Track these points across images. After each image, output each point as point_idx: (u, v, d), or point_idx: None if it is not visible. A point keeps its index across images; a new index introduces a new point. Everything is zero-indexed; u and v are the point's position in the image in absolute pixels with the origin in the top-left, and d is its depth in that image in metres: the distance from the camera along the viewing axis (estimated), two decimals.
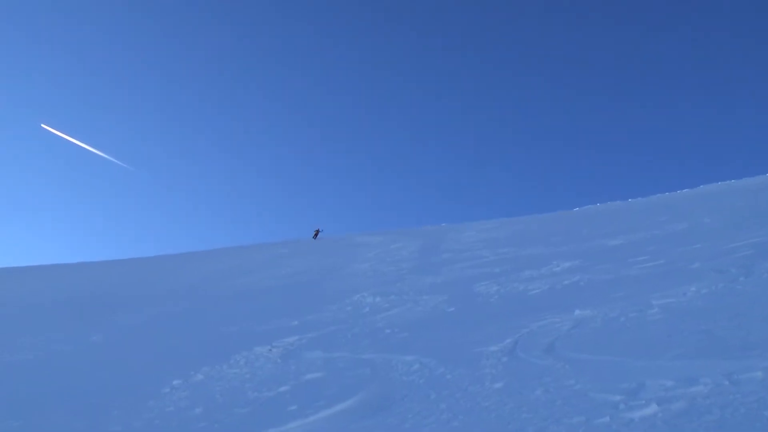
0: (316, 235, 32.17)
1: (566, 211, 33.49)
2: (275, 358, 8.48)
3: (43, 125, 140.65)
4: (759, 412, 3.48)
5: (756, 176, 28.66)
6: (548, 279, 11.06)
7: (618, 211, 26.69)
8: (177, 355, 10.19)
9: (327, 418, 5.41)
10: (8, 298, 24.15)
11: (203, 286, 22.04)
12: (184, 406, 6.69)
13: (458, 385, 5.47)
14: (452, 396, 5.16)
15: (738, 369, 4.20)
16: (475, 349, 6.65)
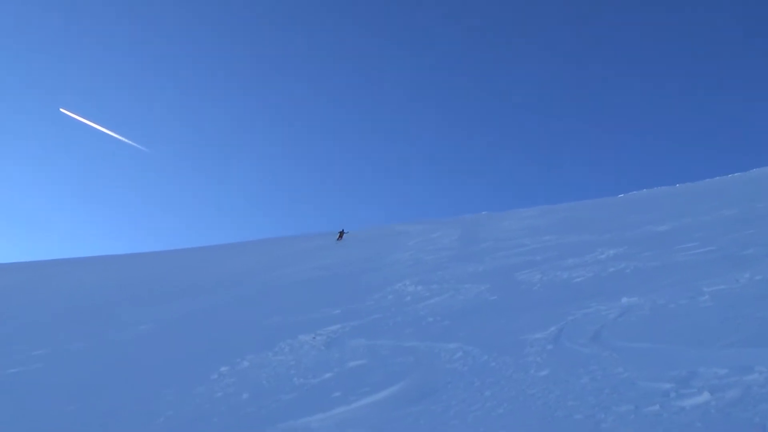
0: (341, 236, 31.97)
1: (610, 198, 32.78)
2: (319, 346, 8.59)
3: (61, 109, 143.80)
4: None
5: None
6: (593, 267, 10.86)
7: (665, 196, 25.97)
8: (224, 344, 10.44)
9: (371, 404, 5.47)
10: (60, 290, 25.14)
11: (247, 277, 22.48)
12: (231, 392, 6.86)
13: (502, 372, 5.44)
14: (497, 383, 5.14)
15: None
16: (518, 336, 6.59)
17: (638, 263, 10.18)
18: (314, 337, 9.23)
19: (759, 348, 4.48)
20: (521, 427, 4.01)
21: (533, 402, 4.44)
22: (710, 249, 9.99)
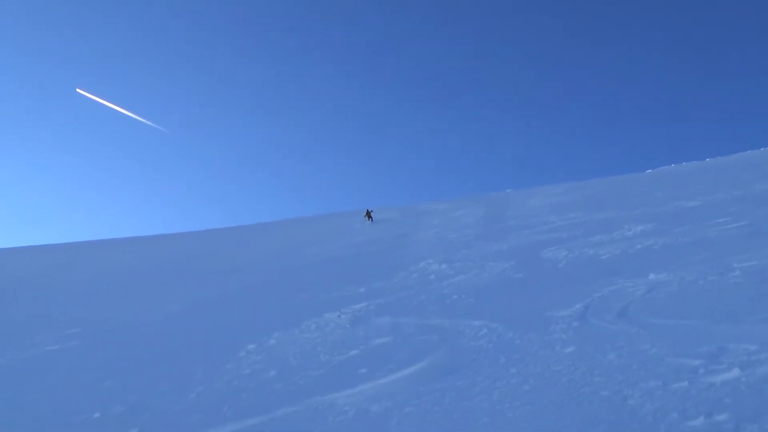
0: (368, 215, 31.75)
1: (638, 174, 32.18)
2: (345, 324, 8.67)
3: (78, 90, 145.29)
4: None
5: None
6: (620, 243, 10.72)
7: (695, 171, 25.41)
8: (251, 322, 10.60)
9: (397, 380, 5.51)
10: (89, 271, 25.73)
11: (272, 257, 22.72)
12: (259, 369, 6.98)
13: (528, 349, 5.43)
14: (522, 360, 5.13)
15: None
16: (544, 314, 6.57)
17: (667, 239, 10.03)
18: (339, 315, 9.32)
19: None
20: (547, 403, 4.01)
21: (559, 378, 4.43)
22: (742, 224, 9.78)
